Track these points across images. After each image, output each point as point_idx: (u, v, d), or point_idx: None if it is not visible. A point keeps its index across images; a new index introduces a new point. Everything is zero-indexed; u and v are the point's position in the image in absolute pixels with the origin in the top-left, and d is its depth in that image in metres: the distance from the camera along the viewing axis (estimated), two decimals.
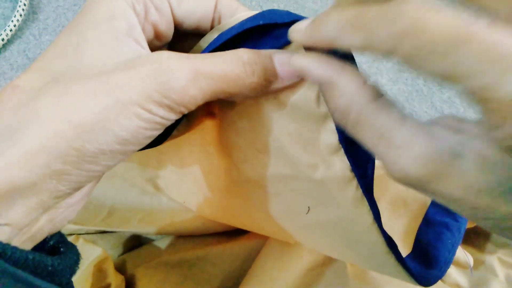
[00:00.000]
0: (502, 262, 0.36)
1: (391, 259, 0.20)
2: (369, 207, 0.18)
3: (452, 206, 0.12)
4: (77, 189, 0.14)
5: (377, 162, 0.17)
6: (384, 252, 0.20)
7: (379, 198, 0.33)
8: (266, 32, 0.15)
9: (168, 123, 0.14)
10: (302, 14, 0.15)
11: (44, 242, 0.15)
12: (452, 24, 0.09)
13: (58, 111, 0.12)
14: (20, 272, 0.11)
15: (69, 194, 0.13)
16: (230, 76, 0.14)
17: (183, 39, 0.18)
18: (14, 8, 0.55)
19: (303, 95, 0.16)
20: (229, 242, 0.35)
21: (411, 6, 0.10)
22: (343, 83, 0.13)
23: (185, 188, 0.29)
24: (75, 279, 0.30)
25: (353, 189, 0.17)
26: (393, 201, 0.32)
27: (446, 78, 0.10)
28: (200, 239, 0.36)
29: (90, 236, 0.35)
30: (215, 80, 0.14)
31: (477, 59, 0.09)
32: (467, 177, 0.11)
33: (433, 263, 0.25)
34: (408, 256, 0.28)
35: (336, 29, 0.12)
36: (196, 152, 0.24)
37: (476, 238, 0.37)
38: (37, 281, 0.12)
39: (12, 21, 0.53)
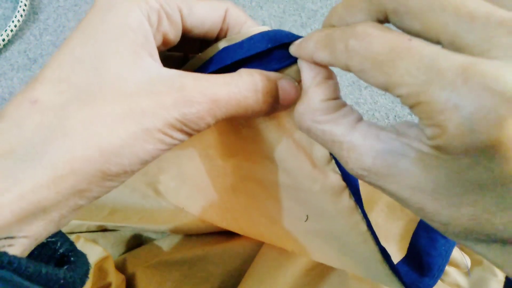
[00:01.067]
0: None
1: (385, 269, 0.20)
2: (362, 215, 0.19)
3: (404, 206, 0.13)
4: (93, 201, 0.14)
5: None
6: (378, 261, 0.20)
7: (376, 201, 0.33)
8: (272, 50, 0.16)
9: (180, 143, 0.15)
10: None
11: (54, 250, 0.15)
12: (388, 43, 0.11)
13: (88, 135, 0.13)
14: (33, 286, 0.12)
15: (85, 206, 0.14)
16: (243, 105, 0.15)
17: (187, 42, 0.18)
18: (14, 8, 0.55)
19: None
20: (229, 242, 0.35)
21: (360, 28, 0.12)
22: (306, 94, 0.15)
23: (183, 194, 0.30)
24: None
25: (347, 197, 0.18)
26: (390, 204, 0.32)
27: (386, 88, 0.11)
28: (200, 239, 0.36)
29: (90, 234, 0.35)
30: (229, 109, 0.15)
31: (406, 71, 0.10)
32: (410, 176, 0.12)
33: (427, 271, 0.26)
34: (402, 260, 0.28)
35: (313, 46, 0.14)
36: (195, 157, 0.24)
37: None
38: None
39: (12, 21, 0.53)
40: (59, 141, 0.12)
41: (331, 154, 0.18)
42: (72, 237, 0.34)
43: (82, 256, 0.15)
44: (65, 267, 0.14)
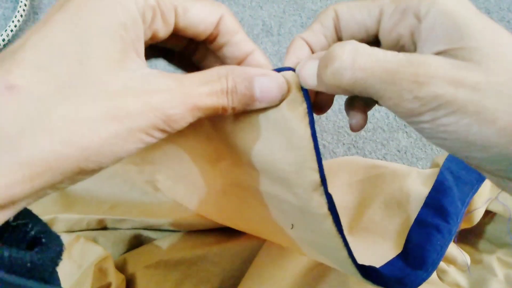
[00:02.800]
0: (501, 261, 0.36)
1: (368, 283, 0.21)
2: (343, 244, 0.19)
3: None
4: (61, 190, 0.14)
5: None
6: (361, 278, 0.20)
7: (374, 198, 0.33)
8: None
9: (156, 141, 0.15)
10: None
11: (25, 232, 0.14)
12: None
13: (70, 133, 0.12)
14: None
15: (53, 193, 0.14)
16: (217, 106, 0.16)
17: (174, 38, 0.18)
18: (14, 8, 0.55)
19: (294, 127, 0.17)
20: (229, 242, 0.35)
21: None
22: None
23: (180, 192, 0.30)
24: (75, 278, 0.30)
25: (329, 224, 0.18)
26: (387, 201, 0.32)
27: None
28: (200, 239, 0.36)
29: (90, 232, 0.35)
30: (207, 110, 0.15)
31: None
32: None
33: (421, 264, 0.26)
34: (398, 256, 0.28)
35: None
36: (185, 162, 0.24)
37: (474, 238, 0.37)
38: (14, 279, 0.12)
39: (13, 21, 0.53)
40: (37, 137, 0.12)
41: (322, 181, 0.17)
42: (72, 237, 0.34)
43: (55, 238, 0.15)
44: (36, 249, 0.13)
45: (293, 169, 0.17)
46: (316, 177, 0.17)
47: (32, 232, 0.14)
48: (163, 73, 0.15)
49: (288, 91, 0.17)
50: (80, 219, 0.35)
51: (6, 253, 0.12)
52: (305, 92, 0.17)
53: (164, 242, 0.36)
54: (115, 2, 0.14)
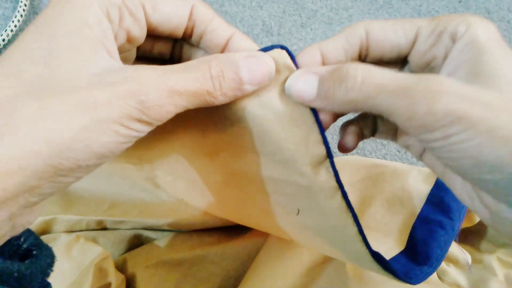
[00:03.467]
0: (502, 261, 0.36)
1: (377, 266, 0.20)
2: (353, 219, 0.18)
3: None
4: (46, 198, 0.14)
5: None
6: (369, 261, 0.20)
7: (376, 196, 0.33)
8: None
9: (142, 135, 0.14)
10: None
11: (18, 246, 0.14)
12: None
13: (36, 129, 0.12)
14: None
15: (37, 203, 0.13)
16: (200, 92, 0.15)
17: (153, 40, 0.18)
18: (14, 8, 0.55)
19: (292, 106, 0.17)
20: (229, 242, 0.35)
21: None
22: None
23: (180, 187, 0.30)
24: (75, 278, 0.30)
25: (339, 199, 0.18)
26: (389, 199, 0.32)
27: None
28: (200, 239, 0.36)
29: (90, 233, 0.35)
30: (188, 96, 0.14)
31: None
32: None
33: (425, 260, 0.26)
34: (401, 253, 0.28)
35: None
36: (183, 158, 0.24)
37: (474, 237, 0.37)
38: None
39: (12, 21, 0.53)
40: (5, 136, 0.12)
41: (328, 154, 0.17)
42: (72, 237, 0.34)
43: (46, 249, 0.15)
44: (27, 261, 0.13)
45: (298, 146, 0.17)
46: (322, 149, 0.17)
47: (25, 245, 0.14)
48: (137, 66, 0.14)
49: (277, 70, 0.17)
50: (79, 220, 0.35)
51: None
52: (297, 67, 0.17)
53: (164, 242, 0.36)
54: (78, 5, 0.14)
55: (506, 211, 0.15)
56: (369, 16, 0.61)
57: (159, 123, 0.14)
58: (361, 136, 0.21)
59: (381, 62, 0.19)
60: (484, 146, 0.13)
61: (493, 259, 0.36)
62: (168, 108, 0.14)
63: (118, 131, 0.13)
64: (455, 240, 0.34)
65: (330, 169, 0.17)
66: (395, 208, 0.32)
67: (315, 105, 0.16)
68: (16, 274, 0.13)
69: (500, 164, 0.13)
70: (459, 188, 0.17)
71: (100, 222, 0.35)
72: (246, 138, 0.18)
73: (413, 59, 0.18)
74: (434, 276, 0.33)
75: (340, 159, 0.39)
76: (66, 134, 0.12)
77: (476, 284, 0.34)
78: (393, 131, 0.21)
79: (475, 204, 0.17)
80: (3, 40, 0.53)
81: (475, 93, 0.14)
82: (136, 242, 0.37)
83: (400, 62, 0.19)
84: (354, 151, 0.51)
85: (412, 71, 0.18)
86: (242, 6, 0.60)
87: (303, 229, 0.23)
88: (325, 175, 0.18)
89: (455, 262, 0.34)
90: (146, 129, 0.14)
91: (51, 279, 0.15)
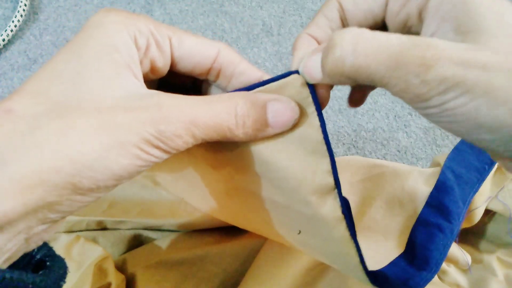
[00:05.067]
0: (502, 261, 0.36)
1: (363, 275, 0.21)
2: (356, 249, 0.18)
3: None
4: (65, 216, 0.14)
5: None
6: (369, 285, 0.20)
7: (376, 197, 0.33)
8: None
9: (160, 161, 0.15)
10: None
11: (31, 257, 0.15)
12: None
13: (60, 146, 0.12)
14: None
15: (55, 221, 0.14)
16: (221, 128, 0.15)
17: (176, 76, 0.18)
18: (14, 8, 0.55)
19: (304, 133, 0.16)
20: (229, 242, 0.35)
21: None
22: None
23: (180, 187, 0.30)
24: (75, 278, 0.30)
25: (343, 229, 0.18)
26: (389, 200, 0.32)
27: None
28: (200, 239, 0.36)
29: (90, 233, 0.35)
30: (208, 130, 0.15)
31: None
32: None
33: (424, 265, 0.26)
34: (400, 256, 0.28)
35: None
36: (185, 162, 0.24)
37: (474, 237, 0.37)
38: None
39: (12, 21, 0.53)
40: (29, 151, 0.12)
41: (336, 184, 0.17)
42: (72, 237, 0.34)
43: (58, 261, 0.15)
44: (40, 272, 0.14)
45: (305, 175, 0.17)
46: (330, 179, 0.17)
47: (38, 256, 0.15)
48: (161, 92, 0.15)
49: (301, 114, 0.16)
50: (79, 220, 0.35)
51: (7, 275, 0.12)
52: (312, 92, 0.17)
53: (164, 242, 0.36)
54: (108, 30, 0.14)
55: (509, 164, 0.15)
56: None
57: (177, 152, 0.15)
58: (368, 90, 0.21)
59: None
60: (481, 109, 0.13)
61: (493, 259, 0.36)
62: (186, 139, 0.14)
63: (139, 155, 0.14)
64: (455, 241, 0.34)
65: (338, 200, 0.17)
66: (395, 209, 0.32)
67: (325, 82, 0.16)
68: (31, 286, 0.13)
69: (498, 124, 0.13)
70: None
71: (100, 222, 0.35)
72: (252, 160, 0.18)
73: (388, 22, 0.17)
74: (432, 278, 0.33)
75: (340, 159, 0.39)
76: (87, 153, 0.13)
77: (476, 284, 0.34)
78: None
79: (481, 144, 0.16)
80: (3, 40, 0.53)
81: (470, 55, 0.13)
82: (136, 242, 0.37)
83: (380, 28, 0.18)
84: (354, 151, 0.51)
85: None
86: (242, 6, 0.60)
87: (305, 245, 0.23)
88: (331, 206, 0.17)
89: (455, 262, 0.34)
90: (164, 156, 0.14)
91: None
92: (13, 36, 0.55)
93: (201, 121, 0.14)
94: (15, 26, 0.54)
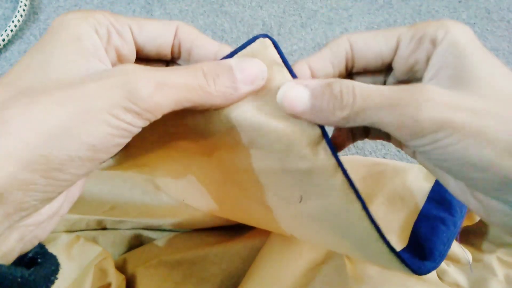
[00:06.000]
0: (502, 261, 0.36)
1: (382, 247, 0.21)
2: (356, 195, 0.19)
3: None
4: (43, 201, 0.13)
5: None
6: (374, 239, 0.20)
7: (377, 194, 0.33)
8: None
9: (136, 130, 0.14)
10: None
11: (24, 255, 0.14)
12: None
13: (25, 120, 0.12)
14: None
15: (36, 207, 0.13)
16: (192, 86, 0.15)
17: (145, 63, 0.19)
18: (14, 8, 0.56)
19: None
20: (229, 242, 0.35)
21: None
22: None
23: (180, 187, 0.30)
24: (76, 278, 0.30)
25: (340, 176, 0.18)
26: (390, 197, 0.32)
27: None
28: (200, 239, 0.36)
29: (90, 232, 0.35)
30: (179, 90, 0.15)
31: None
32: None
33: (428, 255, 0.26)
34: (403, 249, 0.28)
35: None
36: (180, 159, 0.24)
37: (474, 237, 0.37)
38: None
39: (12, 21, 0.53)
40: None
41: (323, 134, 0.18)
42: (72, 237, 0.34)
43: (50, 258, 0.15)
44: (32, 268, 0.14)
45: (296, 131, 0.17)
46: (317, 129, 0.18)
47: (30, 254, 0.14)
48: (133, 64, 0.15)
49: (275, 75, 0.17)
50: (79, 219, 0.35)
51: None
52: (281, 54, 0.18)
53: (164, 242, 0.36)
54: (71, 24, 0.15)
55: (496, 205, 0.16)
56: (369, 16, 0.61)
57: (152, 117, 0.15)
58: (351, 138, 0.22)
59: (367, 71, 0.20)
60: (470, 148, 0.14)
61: (493, 259, 0.36)
62: (158, 99, 0.14)
63: (108, 120, 0.13)
64: (456, 239, 0.34)
65: (328, 148, 0.18)
66: (396, 205, 0.32)
67: (305, 117, 0.17)
68: (19, 280, 0.13)
69: (487, 164, 0.14)
70: (453, 184, 0.18)
71: (100, 222, 0.35)
72: (235, 137, 0.19)
73: (396, 65, 0.18)
74: (434, 276, 0.33)
75: (341, 159, 0.39)
76: (53, 123, 0.13)
77: (476, 284, 0.34)
78: (386, 134, 0.21)
79: (468, 199, 0.17)
80: (3, 40, 0.53)
81: (459, 99, 0.14)
82: (136, 242, 0.37)
83: (384, 70, 0.19)
84: (354, 151, 0.51)
85: (397, 77, 0.19)
86: (242, 6, 0.60)
87: (305, 219, 0.23)
88: (323, 155, 0.18)
89: (455, 261, 0.34)
90: (137, 122, 0.14)
91: None
92: (13, 36, 0.55)
93: (170, 81, 0.15)
94: (15, 26, 0.54)
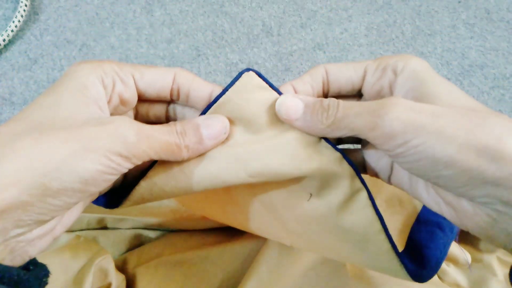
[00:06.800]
0: (501, 261, 0.36)
1: (384, 242, 0.21)
2: (362, 184, 0.21)
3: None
4: (39, 222, 0.16)
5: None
6: (377, 231, 0.21)
7: (375, 196, 0.33)
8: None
9: (123, 170, 0.17)
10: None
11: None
12: None
13: (33, 152, 0.15)
14: None
15: (30, 226, 0.15)
16: (169, 142, 0.19)
17: (146, 104, 0.22)
18: (15, 8, 0.56)
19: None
20: (229, 242, 0.35)
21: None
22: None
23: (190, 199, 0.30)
24: (76, 278, 0.30)
25: (346, 165, 0.21)
26: (389, 199, 0.32)
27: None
28: (200, 239, 0.36)
29: (91, 232, 0.35)
30: (159, 143, 0.18)
31: None
32: None
33: (425, 263, 0.26)
34: (401, 253, 0.28)
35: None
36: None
37: (474, 237, 0.37)
38: None
39: (13, 21, 0.54)
40: (7, 156, 0.15)
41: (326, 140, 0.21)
42: (72, 236, 0.34)
43: (41, 266, 0.17)
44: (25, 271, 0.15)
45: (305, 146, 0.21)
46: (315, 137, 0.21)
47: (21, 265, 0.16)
48: (128, 119, 0.18)
49: (256, 90, 0.21)
50: (80, 218, 0.35)
51: None
52: (264, 78, 0.21)
53: (164, 242, 0.36)
54: (80, 74, 0.18)
55: (466, 205, 0.18)
56: (369, 17, 0.61)
57: (137, 161, 0.18)
58: None
59: (340, 95, 0.23)
60: (435, 147, 0.16)
61: (493, 259, 0.36)
62: (144, 149, 0.17)
63: (101, 160, 0.16)
64: (455, 240, 0.34)
65: (328, 145, 0.20)
66: (394, 208, 0.32)
67: (297, 124, 0.20)
68: (16, 278, 0.14)
69: (451, 159, 0.16)
70: (426, 196, 0.20)
71: (101, 220, 0.35)
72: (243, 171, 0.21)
73: (365, 90, 0.22)
74: (434, 276, 0.33)
75: None
76: (56, 156, 0.15)
77: (476, 284, 0.34)
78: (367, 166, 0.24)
79: (441, 208, 0.19)
80: (4, 40, 0.53)
81: (421, 105, 0.17)
82: (136, 242, 0.37)
83: (356, 95, 0.23)
84: None
85: (367, 101, 0.22)
86: (242, 7, 0.60)
87: (311, 222, 0.23)
88: (326, 149, 0.20)
89: (455, 262, 0.34)
90: (125, 164, 0.17)
91: (53, 279, 0.17)
92: (14, 36, 0.55)
93: (154, 135, 0.18)
94: (16, 26, 0.54)
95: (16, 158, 0.15)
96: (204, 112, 0.21)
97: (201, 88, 0.21)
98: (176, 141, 0.19)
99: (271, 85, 0.21)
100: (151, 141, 0.18)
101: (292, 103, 0.20)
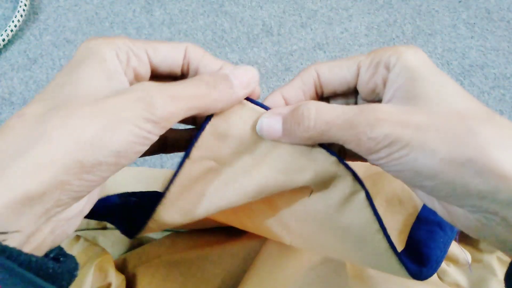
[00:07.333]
0: (501, 261, 0.36)
1: (382, 241, 0.21)
2: (360, 186, 0.20)
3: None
4: (76, 198, 0.16)
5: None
6: (375, 231, 0.21)
7: (375, 196, 0.33)
8: None
9: (154, 138, 0.17)
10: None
11: (46, 256, 0.16)
12: None
13: (64, 131, 0.15)
14: (26, 273, 0.13)
15: (68, 204, 0.16)
16: (198, 95, 0.18)
17: (158, 79, 0.22)
18: (14, 8, 0.56)
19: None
20: (229, 242, 0.35)
21: None
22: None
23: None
24: (76, 278, 0.30)
25: (343, 168, 0.20)
26: (389, 199, 0.32)
27: None
28: (200, 239, 0.36)
29: (90, 232, 0.35)
30: (187, 99, 0.18)
31: None
32: None
33: (425, 262, 0.26)
34: (401, 253, 0.28)
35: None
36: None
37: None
38: (40, 281, 0.14)
39: (12, 21, 0.53)
40: (39, 139, 0.15)
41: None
42: (72, 237, 0.34)
43: (70, 257, 0.17)
44: (58, 264, 0.16)
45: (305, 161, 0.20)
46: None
47: (52, 255, 0.17)
48: (148, 82, 0.18)
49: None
50: None
51: (33, 259, 0.14)
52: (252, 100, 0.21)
53: (164, 242, 0.36)
54: (96, 49, 0.18)
55: (457, 209, 0.18)
56: (369, 16, 0.61)
57: (168, 125, 0.17)
58: None
59: (336, 95, 0.22)
60: (418, 159, 0.16)
61: (493, 259, 0.36)
62: (171, 109, 0.17)
63: (131, 130, 0.16)
64: (455, 240, 0.34)
65: (323, 150, 0.20)
66: (395, 207, 0.32)
67: (283, 140, 0.20)
68: (51, 271, 0.15)
69: (433, 172, 0.16)
70: (420, 192, 0.20)
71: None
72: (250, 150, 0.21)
73: (360, 88, 0.21)
74: (434, 276, 0.33)
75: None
76: (87, 132, 0.15)
77: (476, 284, 0.34)
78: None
79: (435, 206, 0.19)
80: (3, 40, 0.53)
81: (407, 118, 0.17)
82: (136, 242, 0.37)
83: (352, 93, 0.22)
84: None
85: (363, 98, 0.21)
86: (242, 6, 0.60)
87: (311, 220, 0.23)
88: (321, 154, 0.20)
89: (455, 261, 0.34)
90: (155, 130, 0.17)
91: None
92: (13, 36, 0.55)
93: (180, 92, 0.18)
94: (15, 26, 0.54)
95: (48, 140, 0.15)
96: (196, 138, 0.20)
97: (210, 64, 0.21)
98: (206, 92, 0.18)
99: (255, 102, 0.21)
100: (180, 99, 0.17)
101: (270, 123, 0.20)
